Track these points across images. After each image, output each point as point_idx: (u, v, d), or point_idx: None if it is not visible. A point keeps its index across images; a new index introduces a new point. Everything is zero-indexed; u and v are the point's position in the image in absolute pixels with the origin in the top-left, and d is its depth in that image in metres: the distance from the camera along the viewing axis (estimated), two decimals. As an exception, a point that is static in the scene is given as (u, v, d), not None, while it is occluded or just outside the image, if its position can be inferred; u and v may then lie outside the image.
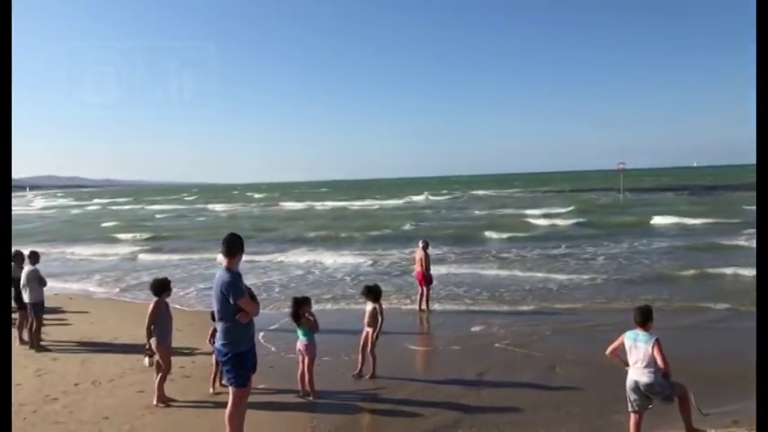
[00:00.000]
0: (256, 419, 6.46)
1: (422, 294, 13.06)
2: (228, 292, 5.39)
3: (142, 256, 24.68)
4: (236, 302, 5.40)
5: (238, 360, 5.52)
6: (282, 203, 71.51)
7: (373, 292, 8.57)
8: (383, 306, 8.70)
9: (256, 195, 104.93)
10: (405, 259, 20.09)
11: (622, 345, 5.88)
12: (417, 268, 13.04)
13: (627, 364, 5.85)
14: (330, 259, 21.54)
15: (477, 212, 45.13)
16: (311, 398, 7.60)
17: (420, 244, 13.37)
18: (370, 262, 20.77)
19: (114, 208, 75.86)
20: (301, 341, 7.69)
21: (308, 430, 6.67)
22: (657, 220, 30.95)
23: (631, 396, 5.80)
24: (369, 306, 8.57)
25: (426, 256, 13.01)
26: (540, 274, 16.98)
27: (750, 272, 14.57)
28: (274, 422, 6.86)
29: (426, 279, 12.96)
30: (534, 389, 7.83)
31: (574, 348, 9.68)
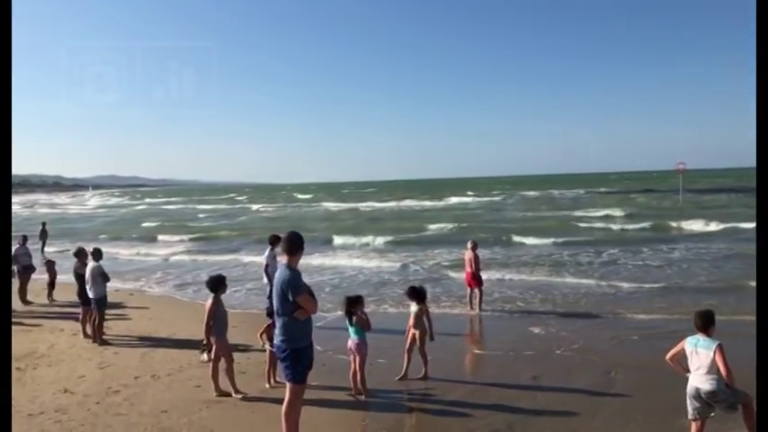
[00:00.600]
0: (310, 416, 6.51)
1: (472, 296, 12.97)
2: (288, 288, 5.47)
3: (186, 257, 25.09)
4: (295, 299, 5.47)
5: (296, 356, 5.59)
6: (326, 203, 71.93)
7: (417, 293, 8.53)
8: (429, 308, 8.66)
9: (300, 195, 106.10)
10: (451, 260, 19.98)
11: (683, 351, 5.67)
12: (467, 269, 12.94)
13: (687, 371, 5.65)
14: (377, 261, 21.60)
15: (528, 214, 44.35)
16: (363, 397, 7.64)
17: (469, 245, 13.27)
18: (417, 263, 20.72)
19: (164, 207, 77.83)
20: (353, 340, 7.73)
21: (359, 429, 6.71)
22: (719, 224, 29.64)
23: (692, 403, 5.60)
24: (414, 307, 8.50)
25: (476, 256, 12.90)
26: (594, 280, 16.50)
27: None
28: (327, 419, 6.92)
29: (477, 280, 12.85)
30: (591, 394, 7.66)
31: (632, 354, 9.45)
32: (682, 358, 5.70)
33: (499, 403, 7.36)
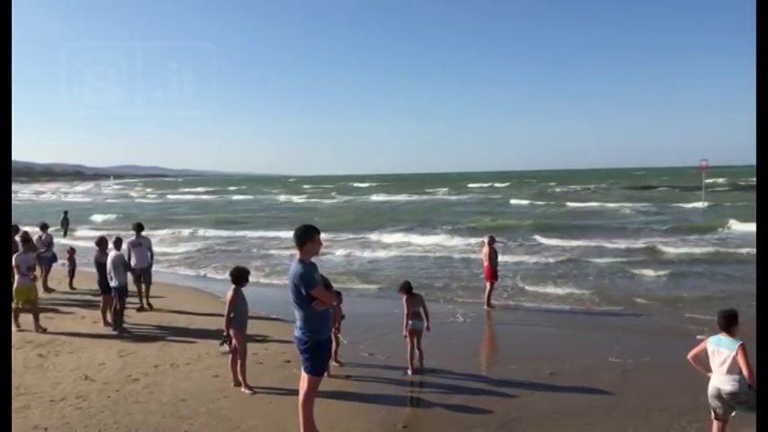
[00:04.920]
0: (326, 408, 6.56)
1: (488, 290, 12.87)
2: (300, 283, 5.49)
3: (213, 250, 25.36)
4: (308, 293, 5.49)
5: (318, 348, 5.63)
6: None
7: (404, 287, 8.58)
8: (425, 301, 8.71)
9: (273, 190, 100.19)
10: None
11: (705, 350, 5.60)
12: (485, 263, 12.86)
13: (709, 371, 5.58)
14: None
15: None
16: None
17: (486, 239, 13.25)
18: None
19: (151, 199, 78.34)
20: None
21: (376, 422, 6.69)
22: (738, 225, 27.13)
23: (713, 403, 5.53)
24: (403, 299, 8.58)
25: (492, 251, 12.82)
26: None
27: None
28: (344, 412, 6.94)
29: (492, 274, 12.75)
30: (610, 393, 7.57)
31: (651, 352, 9.35)
32: (704, 358, 5.63)
33: (517, 398, 7.36)
